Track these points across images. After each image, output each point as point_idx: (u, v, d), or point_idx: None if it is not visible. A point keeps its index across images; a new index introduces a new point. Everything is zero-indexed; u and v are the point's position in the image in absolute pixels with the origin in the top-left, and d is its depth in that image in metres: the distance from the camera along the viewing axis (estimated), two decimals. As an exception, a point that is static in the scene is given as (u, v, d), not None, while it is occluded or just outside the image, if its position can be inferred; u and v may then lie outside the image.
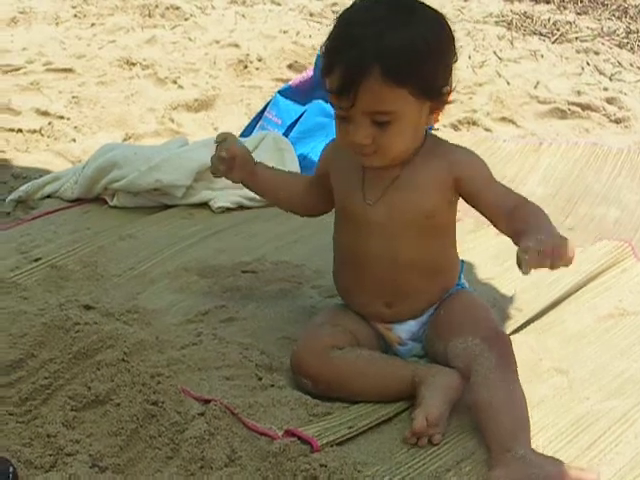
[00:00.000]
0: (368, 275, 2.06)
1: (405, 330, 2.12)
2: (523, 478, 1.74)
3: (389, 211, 2.00)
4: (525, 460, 1.76)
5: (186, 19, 5.07)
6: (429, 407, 1.89)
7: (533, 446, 1.83)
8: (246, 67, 4.37)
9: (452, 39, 1.91)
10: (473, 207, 2.02)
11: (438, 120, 1.99)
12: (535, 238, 1.73)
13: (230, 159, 2.17)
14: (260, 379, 2.08)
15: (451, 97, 1.93)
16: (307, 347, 2.04)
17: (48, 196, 3.00)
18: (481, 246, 2.72)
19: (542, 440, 1.92)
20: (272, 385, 2.06)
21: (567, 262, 1.74)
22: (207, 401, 1.93)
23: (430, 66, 1.84)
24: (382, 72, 1.77)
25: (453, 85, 1.93)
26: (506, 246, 2.72)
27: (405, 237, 1.99)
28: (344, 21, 1.88)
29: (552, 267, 1.73)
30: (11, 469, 1.68)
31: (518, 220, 1.89)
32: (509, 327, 2.33)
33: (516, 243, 1.80)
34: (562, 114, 3.99)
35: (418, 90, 1.82)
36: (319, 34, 4.85)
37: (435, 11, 1.91)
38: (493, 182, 2.00)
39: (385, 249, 2.02)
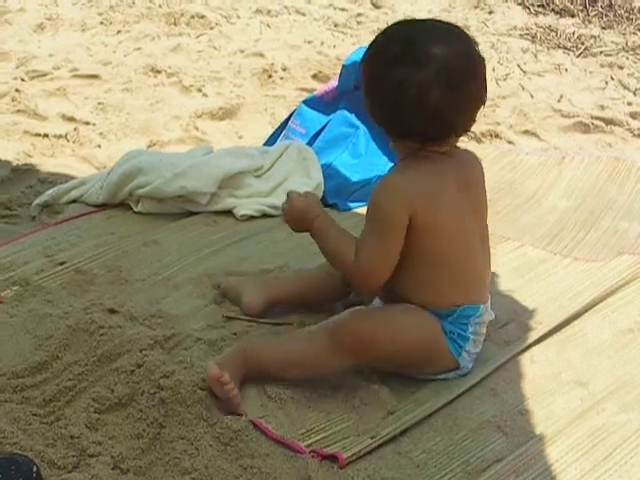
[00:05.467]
0: None
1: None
2: None
3: None
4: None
5: (211, 28, 5.09)
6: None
7: (549, 457, 1.86)
8: (270, 76, 4.38)
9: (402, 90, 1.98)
10: None
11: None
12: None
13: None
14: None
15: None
16: None
17: (74, 201, 3.02)
18: (502, 259, 2.72)
19: (557, 451, 1.94)
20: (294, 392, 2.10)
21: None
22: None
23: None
24: None
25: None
26: (527, 259, 2.76)
27: None
28: None
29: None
30: (35, 469, 1.71)
31: None
32: (529, 339, 2.34)
33: None
34: (585, 128, 3.98)
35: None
36: (343, 44, 4.87)
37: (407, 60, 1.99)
38: (367, 222, 2.12)
39: None
